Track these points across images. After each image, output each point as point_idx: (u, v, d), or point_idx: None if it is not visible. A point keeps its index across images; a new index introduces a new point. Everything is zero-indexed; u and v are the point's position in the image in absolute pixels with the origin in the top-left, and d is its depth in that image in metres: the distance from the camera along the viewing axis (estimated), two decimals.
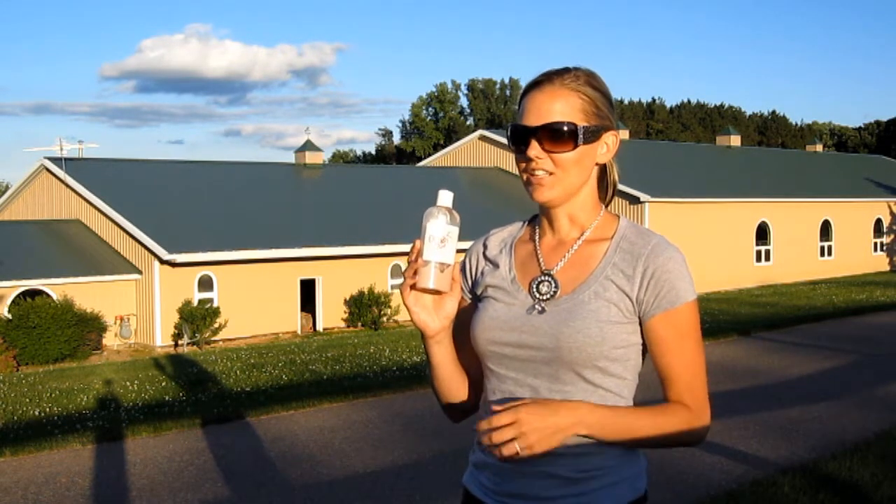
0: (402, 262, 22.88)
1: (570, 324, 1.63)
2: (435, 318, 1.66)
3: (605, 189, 1.80)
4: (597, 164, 1.73)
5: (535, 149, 1.65)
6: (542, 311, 1.67)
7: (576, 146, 1.65)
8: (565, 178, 1.68)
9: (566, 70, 1.70)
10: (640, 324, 1.66)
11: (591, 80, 1.70)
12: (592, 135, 1.67)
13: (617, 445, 1.63)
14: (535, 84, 1.70)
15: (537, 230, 1.81)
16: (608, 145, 1.72)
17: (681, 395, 1.65)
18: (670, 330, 1.64)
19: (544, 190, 1.68)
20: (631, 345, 1.67)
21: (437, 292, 1.63)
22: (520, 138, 1.68)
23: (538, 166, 1.66)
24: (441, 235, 1.60)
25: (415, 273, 1.61)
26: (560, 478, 1.65)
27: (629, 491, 1.69)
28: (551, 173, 1.67)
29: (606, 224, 1.75)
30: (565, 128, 1.64)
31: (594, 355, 1.62)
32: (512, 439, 1.50)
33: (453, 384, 1.80)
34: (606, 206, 1.80)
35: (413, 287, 1.62)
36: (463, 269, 1.88)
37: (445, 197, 1.63)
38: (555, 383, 1.66)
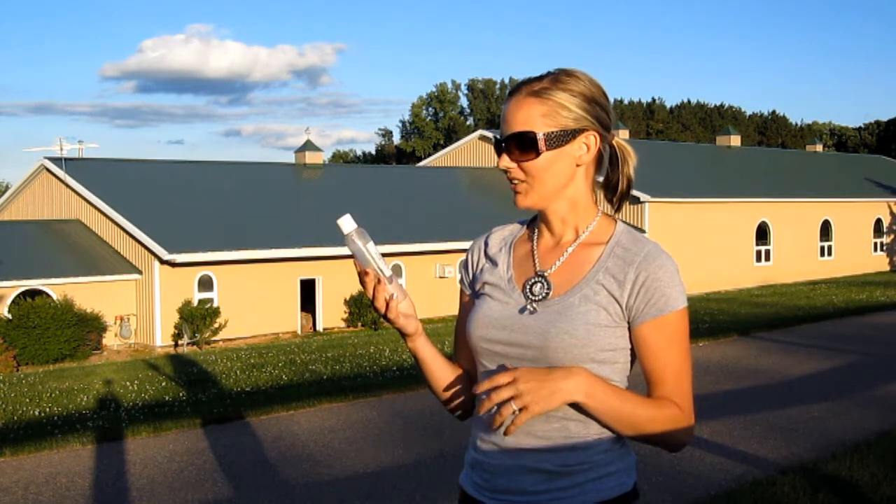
0: (402, 262, 22.90)
1: (557, 325, 1.66)
2: (410, 317, 1.75)
3: (615, 188, 1.81)
4: (578, 165, 1.74)
5: (504, 160, 1.73)
6: (534, 311, 1.71)
7: (538, 153, 1.69)
8: (537, 184, 1.73)
9: (541, 76, 1.74)
10: (629, 329, 1.69)
11: (565, 84, 1.71)
12: (558, 139, 1.69)
13: (607, 424, 1.65)
14: (508, 95, 1.76)
15: (536, 231, 1.84)
16: (588, 145, 1.73)
17: (668, 397, 1.67)
18: (659, 336, 1.67)
19: (520, 198, 1.76)
20: (619, 349, 1.69)
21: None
22: (497, 151, 1.76)
23: (512, 176, 1.74)
24: (379, 252, 1.71)
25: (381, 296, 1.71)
26: (546, 472, 1.68)
27: (616, 486, 1.71)
28: (522, 181, 1.73)
29: (603, 228, 1.77)
30: (522, 138, 1.69)
31: (580, 357, 1.65)
32: (510, 401, 1.54)
33: (448, 376, 1.86)
34: (620, 202, 1.82)
35: (389, 302, 1.71)
36: (465, 265, 1.93)
37: (350, 220, 1.71)
38: None
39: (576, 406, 1.63)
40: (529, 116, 1.69)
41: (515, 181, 1.73)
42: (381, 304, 1.71)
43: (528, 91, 1.71)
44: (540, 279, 1.73)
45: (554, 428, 1.68)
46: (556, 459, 1.68)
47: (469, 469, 1.82)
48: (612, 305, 1.67)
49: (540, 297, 1.70)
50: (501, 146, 1.73)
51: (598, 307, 1.67)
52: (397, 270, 23.24)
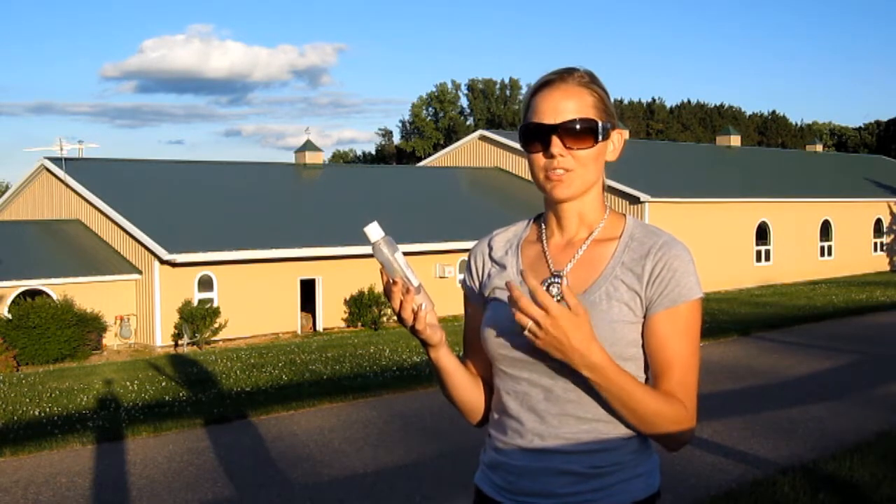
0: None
1: None
2: (435, 327, 1.69)
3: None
4: (606, 161, 1.74)
5: (557, 146, 1.65)
6: None
7: (595, 142, 1.67)
8: (584, 174, 1.68)
9: (573, 69, 1.71)
10: (644, 318, 1.67)
11: (596, 79, 1.72)
12: (606, 132, 1.69)
13: (611, 408, 1.61)
14: (547, 83, 1.70)
15: (543, 230, 1.80)
16: (615, 144, 1.74)
17: (673, 391, 1.63)
18: (671, 326, 1.64)
19: (564, 187, 1.68)
20: (640, 344, 1.67)
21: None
22: (538, 136, 1.67)
23: (559, 164, 1.67)
24: (406, 260, 1.65)
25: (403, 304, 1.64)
26: (575, 474, 1.65)
27: (644, 487, 1.69)
28: (569, 170, 1.67)
29: (614, 223, 1.75)
30: (587, 125, 1.66)
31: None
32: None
33: (469, 386, 1.82)
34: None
35: (417, 313, 1.63)
36: (469, 271, 1.88)
37: (378, 228, 1.65)
38: (569, 384, 1.66)
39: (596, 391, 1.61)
40: (584, 105, 1.67)
41: (560, 170, 1.67)
42: (408, 315, 1.63)
43: (575, 81, 1.68)
44: (557, 279, 1.67)
45: (583, 429, 1.66)
46: (586, 461, 1.65)
47: (488, 470, 1.78)
48: (634, 300, 1.65)
49: (559, 297, 1.63)
50: (555, 130, 1.65)
51: (621, 303, 1.65)
52: None
